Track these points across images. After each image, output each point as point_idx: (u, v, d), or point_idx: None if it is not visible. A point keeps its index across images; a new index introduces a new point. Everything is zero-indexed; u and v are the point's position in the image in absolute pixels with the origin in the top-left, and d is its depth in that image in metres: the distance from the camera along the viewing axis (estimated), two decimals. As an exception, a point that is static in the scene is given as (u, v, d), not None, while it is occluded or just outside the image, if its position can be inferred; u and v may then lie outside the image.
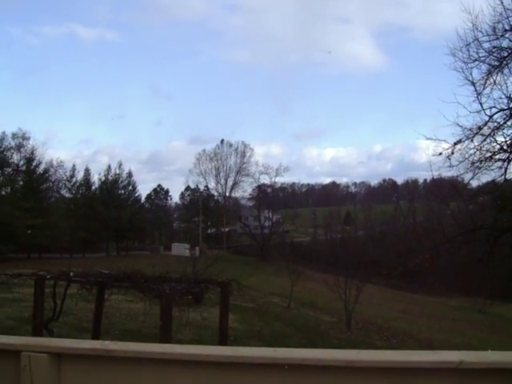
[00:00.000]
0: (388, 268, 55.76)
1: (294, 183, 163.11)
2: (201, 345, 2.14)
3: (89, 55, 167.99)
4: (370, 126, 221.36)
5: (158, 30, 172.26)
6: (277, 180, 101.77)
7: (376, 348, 20.38)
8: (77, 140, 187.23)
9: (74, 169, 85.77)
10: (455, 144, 19.31)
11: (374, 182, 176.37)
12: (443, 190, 30.00)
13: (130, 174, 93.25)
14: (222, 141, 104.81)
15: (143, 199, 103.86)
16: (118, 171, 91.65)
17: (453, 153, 19.40)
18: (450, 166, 19.63)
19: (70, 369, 1.99)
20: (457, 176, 20.50)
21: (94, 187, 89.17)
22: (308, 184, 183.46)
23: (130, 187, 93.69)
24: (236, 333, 18.13)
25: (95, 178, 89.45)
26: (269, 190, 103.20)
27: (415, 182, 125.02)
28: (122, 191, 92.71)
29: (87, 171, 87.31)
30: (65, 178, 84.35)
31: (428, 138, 20.06)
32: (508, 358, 2.39)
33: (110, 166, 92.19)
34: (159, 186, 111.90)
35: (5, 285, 12.77)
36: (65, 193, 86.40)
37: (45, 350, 1.96)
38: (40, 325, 10.58)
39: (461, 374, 2.21)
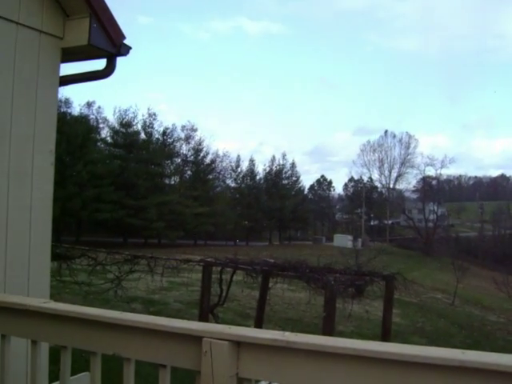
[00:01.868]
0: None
1: (460, 175, 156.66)
2: (369, 340, 2.08)
3: (254, 48, 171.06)
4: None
5: (323, 20, 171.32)
6: (442, 172, 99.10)
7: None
8: (242, 131, 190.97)
9: (239, 159, 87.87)
10: None
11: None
12: None
13: (293, 165, 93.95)
14: (386, 132, 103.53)
15: (306, 190, 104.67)
16: (282, 162, 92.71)
17: None
18: None
19: (249, 357, 2.06)
20: None
21: (258, 177, 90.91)
22: (475, 177, 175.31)
23: (294, 178, 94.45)
24: (398, 328, 17.82)
25: (259, 169, 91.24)
26: (434, 182, 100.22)
27: None
28: (286, 182, 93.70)
29: (252, 162, 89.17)
30: (230, 168, 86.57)
31: None
32: None
33: (274, 157, 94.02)
34: (322, 176, 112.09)
35: (174, 269, 13.50)
36: (230, 182, 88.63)
37: (225, 338, 2.04)
38: (207, 309, 11.03)
39: None
